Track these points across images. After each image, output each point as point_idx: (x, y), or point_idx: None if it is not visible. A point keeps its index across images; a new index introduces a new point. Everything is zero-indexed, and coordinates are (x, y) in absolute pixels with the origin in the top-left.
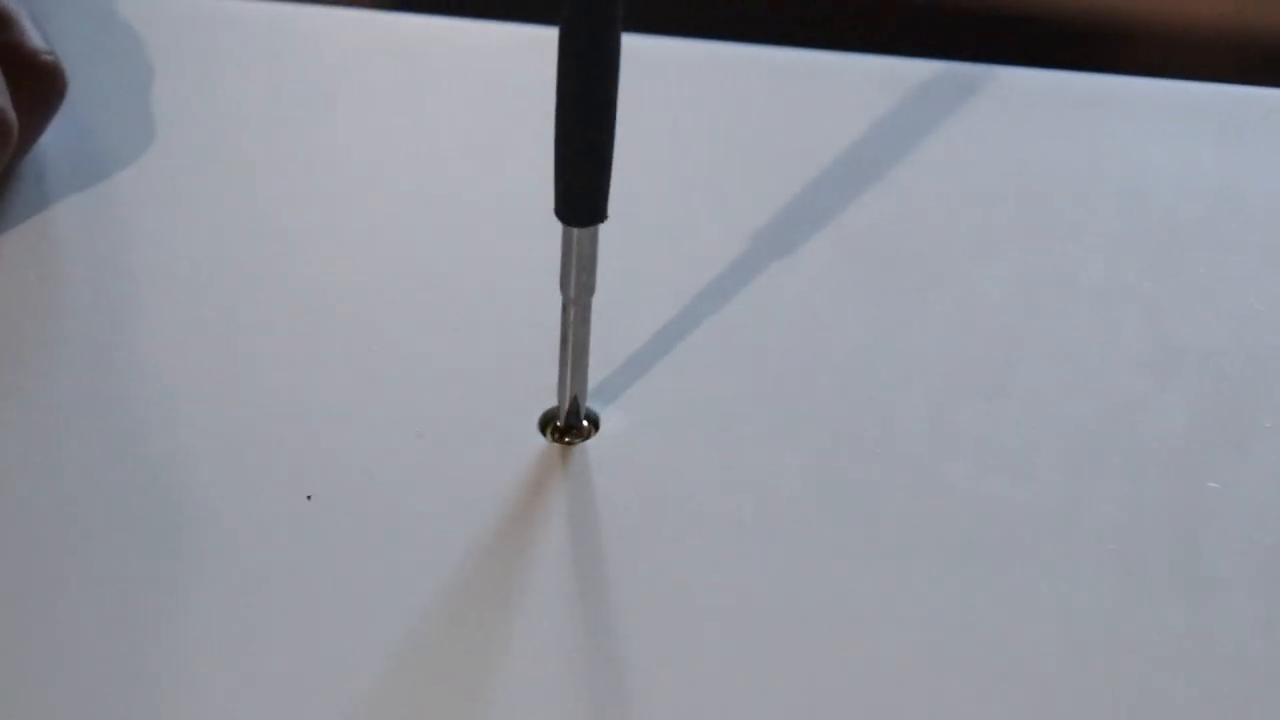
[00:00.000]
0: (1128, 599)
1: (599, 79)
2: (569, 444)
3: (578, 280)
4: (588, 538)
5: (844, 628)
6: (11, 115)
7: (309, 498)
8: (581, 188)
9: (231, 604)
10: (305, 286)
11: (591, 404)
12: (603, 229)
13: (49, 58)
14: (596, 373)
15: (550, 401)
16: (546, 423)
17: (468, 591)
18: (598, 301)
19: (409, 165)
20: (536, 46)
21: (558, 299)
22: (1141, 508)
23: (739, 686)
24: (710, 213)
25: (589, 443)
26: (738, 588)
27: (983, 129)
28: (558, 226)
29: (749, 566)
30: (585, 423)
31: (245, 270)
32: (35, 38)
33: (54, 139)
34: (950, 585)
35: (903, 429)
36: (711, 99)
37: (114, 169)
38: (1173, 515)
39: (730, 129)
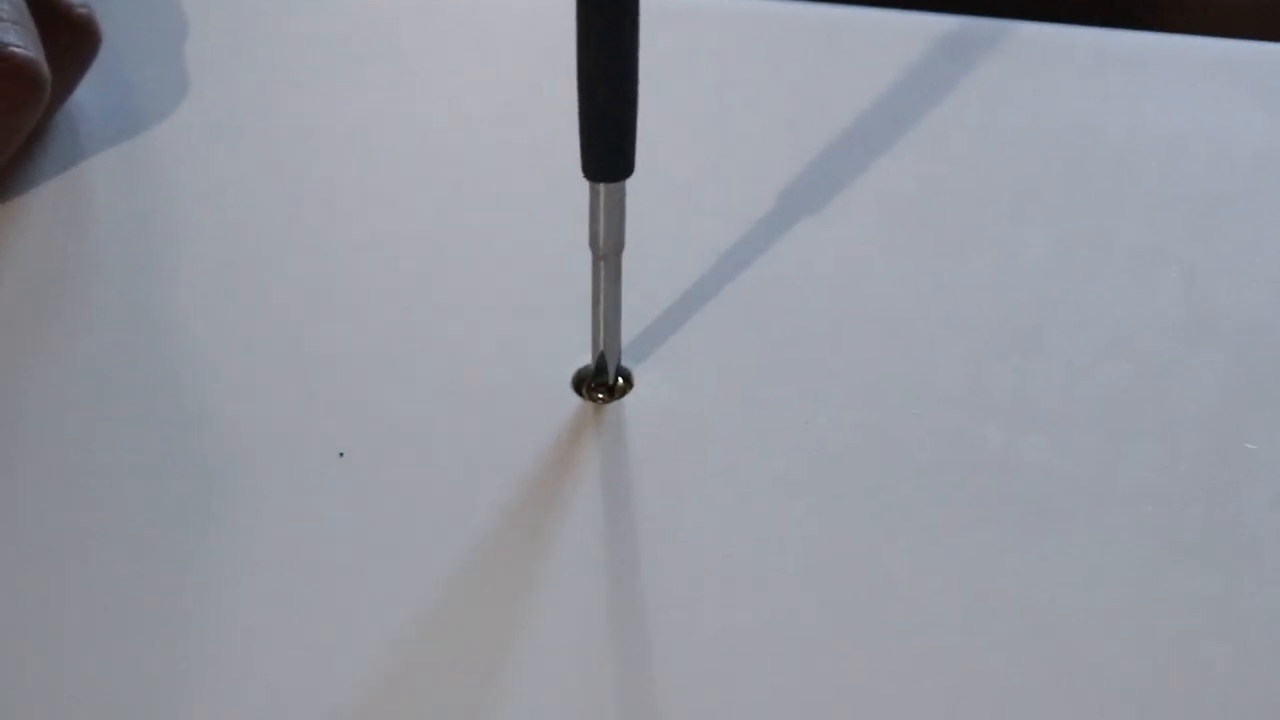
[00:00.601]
0: (1163, 562)
1: (619, 31)
2: (602, 402)
3: (606, 236)
4: (620, 496)
5: (876, 588)
6: (45, 69)
7: (341, 454)
8: (605, 143)
9: (263, 559)
10: (339, 242)
11: (625, 361)
12: (637, 184)
13: (83, 11)
14: (630, 330)
15: (583, 359)
16: (580, 380)
17: (500, 549)
18: (631, 258)
19: (444, 121)
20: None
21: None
22: (1177, 470)
23: (770, 646)
24: (745, 169)
25: (622, 401)
26: (770, 547)
27: (1020, 87)
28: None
29: (781, 526)
30: (619, 380)
31: (278, 227)
32: None
33: (87, 93)
34: (984, 547)
35: (937, 389)
36: (749, 55)
37: (148, 124)
38: (1209, 477)
39: (767, 85)
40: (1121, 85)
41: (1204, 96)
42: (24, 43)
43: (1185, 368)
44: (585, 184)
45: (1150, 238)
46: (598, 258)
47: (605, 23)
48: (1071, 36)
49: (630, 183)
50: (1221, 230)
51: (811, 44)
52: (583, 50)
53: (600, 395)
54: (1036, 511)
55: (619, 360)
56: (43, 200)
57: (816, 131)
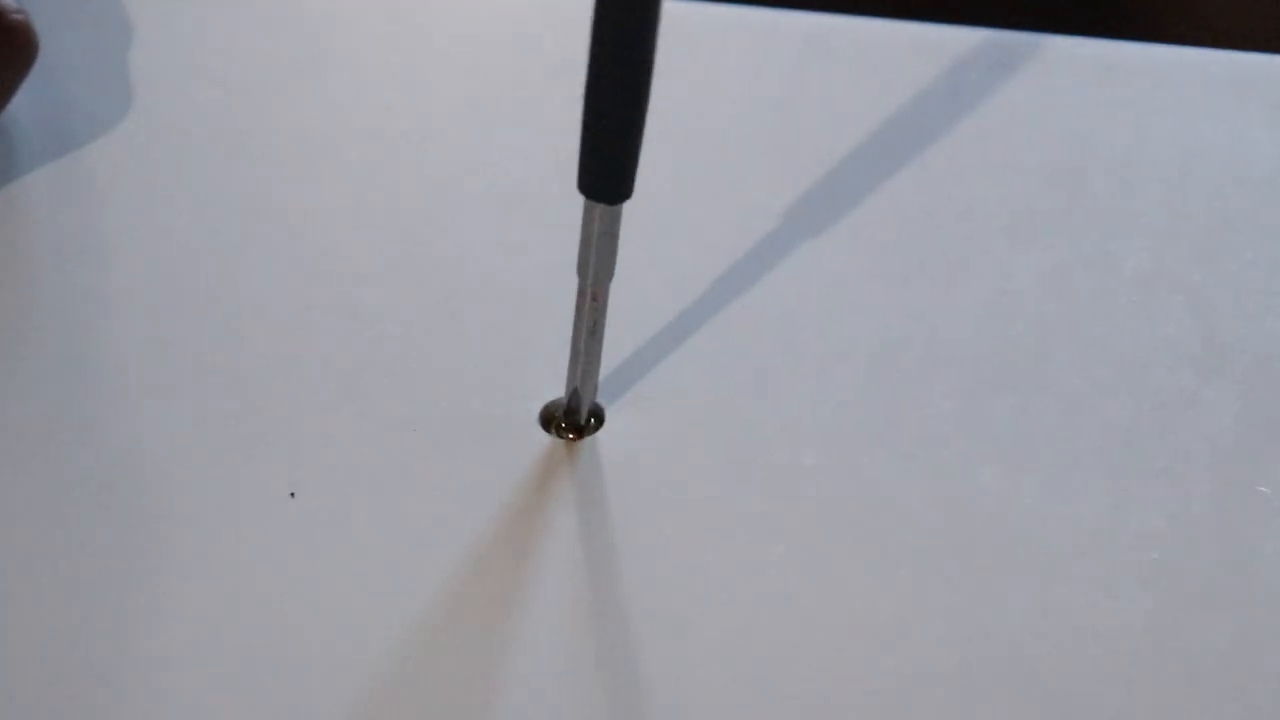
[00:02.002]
0: (1170, 613)
1: (639, 35)
2: (573, 440)
3: (597, 263)
4: (593, 542)
5: (861, 640)
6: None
7: (292, 495)
8: (611, 159)
9: (209, 608)
10: (290, 266)
11: (599, 397)
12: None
13: (19, 17)
14: (604, 365)
15: (551, 393)
16: (549, 416)
17: (464, 595)
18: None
19: (403, 136)
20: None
21: (561, 282)
22: (1186, 515)
23: (747, 695)
24: (725, 192)
25: (595, 438)
26: (750, 595)
27: (1020, 103)
28: (559, 205)
29: (762, 573)
30: (591, 418)
31: (226, 249)
32: None
33: (24, 105)
34: (977, 598)
35: (928, 427)
36: (728, 68)
37: (87, 138)
38: (1219, 523)
39: (749, 101)
40: (1125, 100)
41: (1212, 112)
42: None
43: (1194, 404)
44: (555, 206)
45: (1156, 263)
46: (585, 286)
47: (625, 24)
48: (1072, 48)
49: None
50: (1232, 255)
51: (797, 55)
52: (597, 53)
53: (571, 433)
54: (1034, 558)
55: (594, 396)
56: None
57: (800, 149)
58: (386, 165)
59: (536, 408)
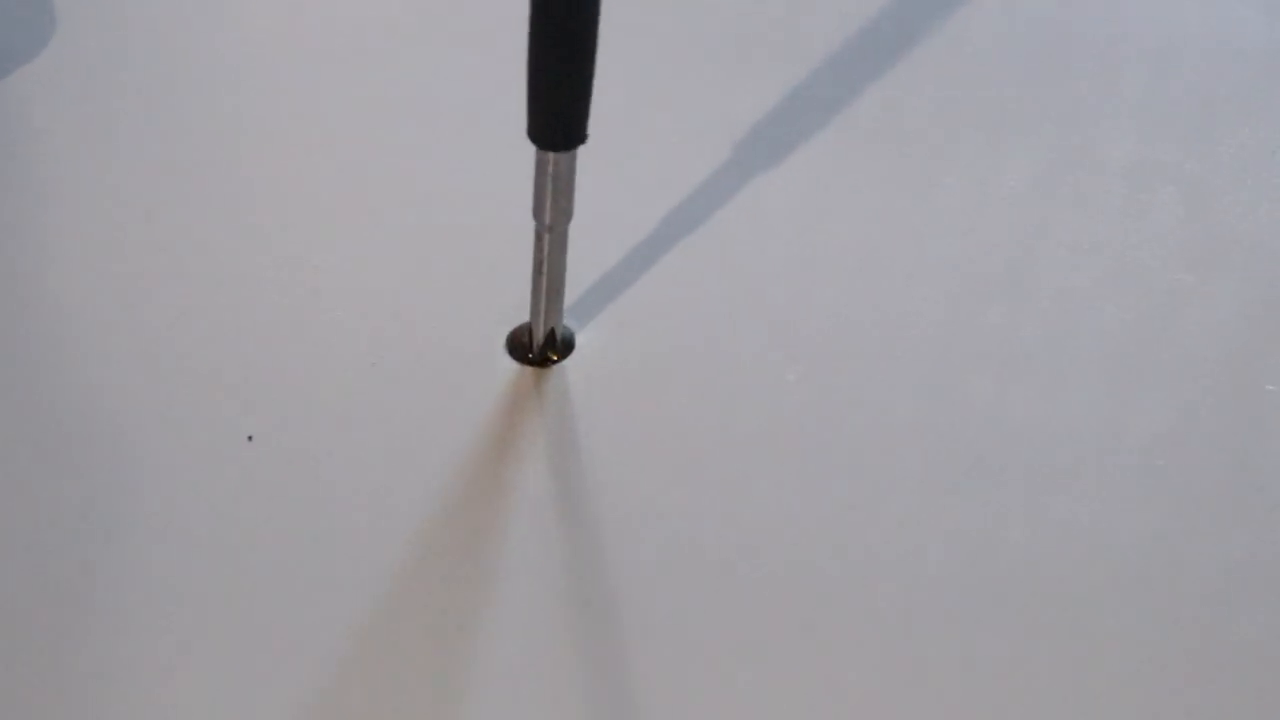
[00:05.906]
0: (1178, 523)
1: None
2: (534, 363)
3: (554, 206)
4: (566, 466)
5: (856, 559)
6: None
7: (250, 438)
8: (559, 109)
9: (168, 560)
10: (237, 195)
11: (567, 322)
12: None
13: None
14: (577, 287)
15: (517, 319)
16: (514, 342)
17: (436, 531)
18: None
19: (356, 59)
20: None
21: (524, 206)
22: (1190, 418)
23: (729, 624)
24: (690, 96)
25: (564, 364)
26: (733, 515)
27: None
28: (523, 130)
29: (745, 491)
30: (559, 343)
31: (167, 178)
32: None
33: None
34: (974, 514)
35: (913, 336)
36: None
37: (11, 64)
38: (1226, 425)
39: (716, 4)
40: None
41: None
42: None
43: (1193, 301)
44: (520, 133)
45: (1144, 153)
46: (542, 228)
47: None
48: None
49: None
50: (1224, 140)
51: None
52: (536, 6)
53: (537, 360)
54: (1033, 472)
55: (560, 333)
56: None
57: (769, 49)
58: (338, 90)
59: (502, 335)
